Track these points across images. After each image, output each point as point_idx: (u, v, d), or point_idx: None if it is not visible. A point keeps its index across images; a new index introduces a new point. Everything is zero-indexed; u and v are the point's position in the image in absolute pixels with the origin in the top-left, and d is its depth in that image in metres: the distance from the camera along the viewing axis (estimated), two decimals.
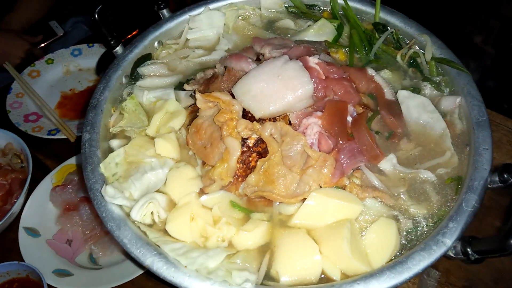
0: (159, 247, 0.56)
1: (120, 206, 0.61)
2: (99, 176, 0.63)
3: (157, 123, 0.70)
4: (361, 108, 0.68)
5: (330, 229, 0.57)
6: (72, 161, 1.21)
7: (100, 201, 0.60)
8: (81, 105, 1.41)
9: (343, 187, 0.62)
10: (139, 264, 0.96)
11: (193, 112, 0.71)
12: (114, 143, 0.69)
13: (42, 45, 1.85)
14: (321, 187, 0.61)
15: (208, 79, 0.73)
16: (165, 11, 0.86)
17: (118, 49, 0.79)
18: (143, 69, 0.79)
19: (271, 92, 0.64)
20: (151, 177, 0.64)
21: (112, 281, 0.98)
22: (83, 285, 0.97)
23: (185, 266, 0.54)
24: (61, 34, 1.95)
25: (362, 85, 0.70)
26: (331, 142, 0.62)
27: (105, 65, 1.49)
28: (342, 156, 0.62)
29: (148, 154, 0.67)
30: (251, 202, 0.62)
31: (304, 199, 0.60)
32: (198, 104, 0.65)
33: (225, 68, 0.73)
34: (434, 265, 0.67)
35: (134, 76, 0.79)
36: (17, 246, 1.06)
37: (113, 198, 0.60)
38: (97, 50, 1.55)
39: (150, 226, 0.61)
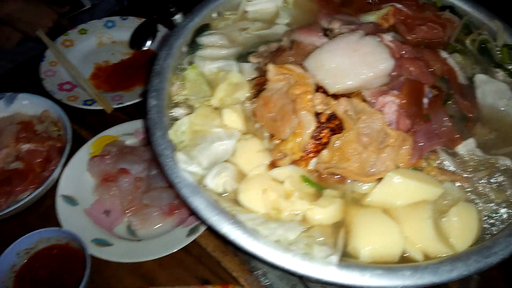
0: (233, 216, 0.54)
1: (191, 173, 0.60)
2: (168, 142, 0.62)
3: (222, 93, 0.69)
4: (435, 91, 0.66)
5: (410, 209, 0.56)
6: (108, 132, 1.19)
7: (172, 167, 0.59)
8: (116, 77, 1.39)
9: (421, 169, 0.60)
10: (178, 240, 0.96)
11: (258, 85, 0.69)
12: (178, 111, 0.67)
13: (69, 16, 1.83)
14: (397, 167, 0.59)
15: (273, 52, 0.71)
16: None
17: (178, 17, 0.77)
18: (203, 39, 0.77)
19: (348, 67, 0.62)
20: (218, 147, 0.63)
21: (151, 254, 0.97)
22: (122, 256, 0.97)
23: (265, 236, 0.52)
24: (89, 6, 1.92)
25: (436, 68, 0.68)
26: (408, 122, 0.60)
27: (139, 39, 1.48)
28: (419, 138, 0.60)
29: (214, 124, 0.65)
30: (322, 178, 0.61)
31: (379, 179, 0.58)
32: (269, 76, 0.63)
33: (292, 42, 0.71)
34: None
35: (193, 46, 0.77)
36: (54, 214, 1.06)
37: (186, 164, 0.58)
38: (131, 23, 1.53)
39: (220, 195, 0.59)
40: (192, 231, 1.01)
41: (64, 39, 1.47)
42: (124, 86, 1.36)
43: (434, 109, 0.62)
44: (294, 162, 0.61)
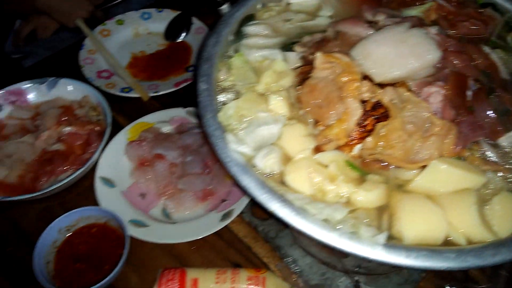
0: (282, 195, 0.57)
1: (241, 153, 0.63)
2: (218, 124, 0.65)
3: (267, 80, 0.71)
4: (478, 84, 0.67)
5: (454, 196, 0.58)
6: (145, 119, 1.23)
7: (222, 147, 0.62)
8: (151, 67, 1.43)
9: (464, 158, 0.62)
10: (211, 225, 0.99)
11: (302, 74, 0.71)
12: (225, 96, 0.70)
13: (104, 7, 1.88)
14: (441, 156, 0.61)
15: (317, 42, 0.74)
16: None
17: (225, 7, 0.80)
18: (248, 28, 0.80)
19: (395, 57, 0.64)
20: (264, 131, 0.66)
21: (185, 236, 1.01)
22: (158, 237, 1.01)
23: (314, 215, 0.55)
24: None
25: (478, 62, 0.69)
26: (453, 113, 0.62)
27: (174, 31, 1.51)
28: (463, 128, 0.62)
29: (260, 109, 0.68)
30: (365, 164, 0.63)
31: (423, 166, 0.60)
32: (316, 64, 0.66)
33: (337, 33, 0.73)
34: None
35: (239, 35, 0.80)
36: (92, 194, 1.10)
37: (236, 145, 0.61)
38: (166, 15, 1.57)
39: (267, 176, 0.62)
40: (224, 217, 1.04)
41: (101, 28, 1.51)
42: (159, 76, 1.40)
43: (478, 102, 0.64)
44: (339, 148, 0.63)
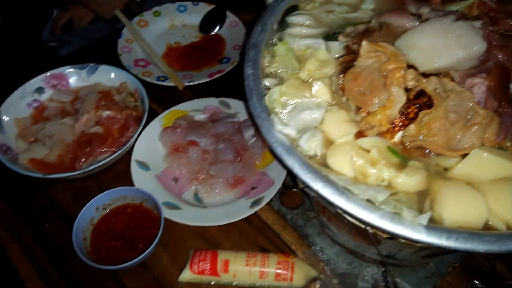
0: (325, 175, 0.59)
1: (286, 135, 0.65)
2: (264, 106, 0.67)
3: (310, 68, 0.74)
4: None
5: (495, 184, 0.59)
6: (179, 107, 1.27)
7: (268, 128, 0.64)
8: (186, 58, 1.47)
9: (505, 148, 0.63)
10: (241, 211, 1.01)
11: (344, 62, 0.74)
12: (269, 81, 0.73)
13: (138, 1, 1.93)
14: (482, 145, 0.62)
15: (360, 33, 0.76)
16: None
17: None
18: (292, 18, 0.83)
19: (441, 48, 0.65)
20: (307, 116, 0.68)
21: (216, 220, 1.03)
22: (190, 219, 1.04)
23: (357, 195, 0.57)
24: None
25: None
26: (496, 104, 0.63)
27: (208, 24, 1.55)
28: (505, 119, 0.63)
29: (303, 95, 0.70)
30: (406, 151, 0.65)
31: (464, 154, 0.61)
32: (361, 52, 0.68)
33: (381, 24, 0.75)
34: None
35: (283, 24, 0.82)
36: (126, 177, 1.14)
37: (282, 126, 0.64)
38: (201, 9, 1.60)
39: (311, 158, 0.64)
40: (254, 204, 1.07)
41: (139, 19, 1.56)
42: (193, 66, 1.43)
43: None
44: (381, 134, 0.65)
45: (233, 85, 1.39)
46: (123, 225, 1.04)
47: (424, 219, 0.54)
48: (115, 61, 1.39)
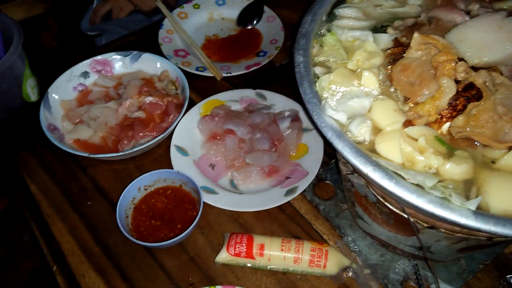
0: (374, 160, 0.61)
1: (336, 120, 0.68)
2: (314, 92, 0.70)
3: (358, 58, 0.76)
4: None
5: None
6: (217, 97, 1.31)
7: (319, 113, 0.67)
8: (224, 50, 1.51)
9: None
10: (275, 199, 1.03)
11: (393, 54, 0.76)
12: (318, 70, 0.75)
13: None
14: None
15: (409, 26, 0.78)
16: None
17: None
18: (340, 11, 0.85)
19: (492, 42, 0.67)
20: (355, 103, 0.70)
21: (251, 206, 1.07)
22: (226, 204, 1.07)
23: (407, 179, 0.59)
24: None
25: None
26: None
27: (246, 18, 1.58)
28: None
29: (352, 84, 0.73)
30: (453, 141, 0.66)
31: (511, 147, 0.63)
32: (412, 44, 0.70)
33: (431, 18, 0.77)
34: None
35: (331, 16, 0.85)
36: (165, 161, 1.18)
37: (333, 112, 0.67)
38: (240, 3, 1.64)
39: (359, 143, 0.67)
40: (288, 193, 1.09)
41: (179, 11, 1.60)
42: (231, 58, 1.47)
43: None
44: (428, 124, 0.67)
45: (269, 78, 1.42)
46: (163, 206, 1.09)
47: (473, 204, 0.56)
48: (155, 51, 1.44)
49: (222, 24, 1.62)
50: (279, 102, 1.32)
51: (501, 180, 0.61)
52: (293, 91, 1.33)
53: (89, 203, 1.17)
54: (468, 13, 0.78)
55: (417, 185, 0.60)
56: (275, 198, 1.10)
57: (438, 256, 0.92)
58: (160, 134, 1.17)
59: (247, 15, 1.62)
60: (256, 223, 1.10)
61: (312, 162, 1.17)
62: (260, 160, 1.16)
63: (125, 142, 1.20)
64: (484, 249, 0.97)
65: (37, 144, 1.28)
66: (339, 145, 0.63)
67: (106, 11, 2.05)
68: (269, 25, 1.58)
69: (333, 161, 1.19)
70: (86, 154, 1.14)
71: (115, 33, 1.94)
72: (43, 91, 1.27)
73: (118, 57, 1.37)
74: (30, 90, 1.29)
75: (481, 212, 0.57)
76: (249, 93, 1.34)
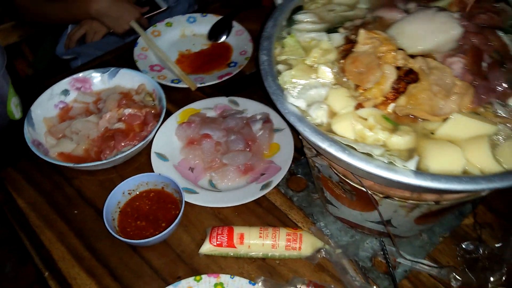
0: (331, 138, 0.71)
1: (297, 107, 0.78)
2: (277, 85, 0.80)
3: (315, 55, 0.87)
4: (491, 58, 0.81)
5: (471, 140, 0.71)
6: (192, 106, 1.40)
7: (282, 101, 0.77)
8: (197, 63, 1.60)
9: (479, 113, 0.76)
10: (252, 193, 1.11)
11: (344, 50, 0.87)
12: (280, 67, 0.86)
13: (148, 16, 2.07)
14: (460, 111, 0.75)
15: (358, 26, 0.89)
16: None
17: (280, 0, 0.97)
18: (298, 16, 0.97)
19: (425, 33, 0.79)
20: (314, 93, 0.81)
21: (229, 202, 1.15)
22: (206, 202, 1.15)
23: (358, 149, 0.69)
24: (165, 8, 2.17)
25: (493, 42, 0.84)
26: (471, 77, 0.76)
27: (216, 33, 1.69)
28: (479, 90, 0.76)
29: (310, 77, 0.83)
30: (398, 118, 0.77)
31: (445, 119, 0.74)
32: (359, 39, 0.81)
33: (375, 17, 0.89)
34: None
35: (290, 21, 0.96)
36: (148, 169, 1.25)
37: (294, 99, 0.77)
38: (210, 19, 1.75)
39: (317, 125, 0.77)
40: (263, 187, 1.18)
41: (153, 29, 1.70)
42: (204, 70, 1.57)
43: (491, 71, 0.78)
44: (376, 106, 0.78)
45: (241, 86, 1.52)
46: (147, 208, 1.15)
47: (412, 164, 0.66)
48: (131, 68, 1.52)
49: (193, 40, 1.72)
50: (251, 107, 1.42)
51: (437, 146, 0.71)
52: (263, 97, 1.43)
53: (76, 212, 1.22)
54: (406, 11, 0.91)
55: (368, 154, 0.70)
56: (251, 193, 1.18)
57: (400, 231, 1.02)
58: (140, 143, 1.24)
59: (217, 30, 1.73)
60: (236, 217, 1.17)
61: (284, 159, 1.26)
62: (235, 159, 1.25)
63: (107, 152, 1.26)
64: (440, 219, 1.08)
65: (21, 160, 1.33)
66: (300, 127, 0.73)
67: (80, 35, 2.11)
68: (238, 38, 1.69)
69: (302, 157, 1.29)
70: (71, 165, 1.20)
71: (90, 55, 2.01)
72: (25, 110, 1.33)
73: (97, 74, 1.45)
74: (14, 108, 1.35)
75: (420, 171, 0.67)
76: (222, 101, 1.44)
